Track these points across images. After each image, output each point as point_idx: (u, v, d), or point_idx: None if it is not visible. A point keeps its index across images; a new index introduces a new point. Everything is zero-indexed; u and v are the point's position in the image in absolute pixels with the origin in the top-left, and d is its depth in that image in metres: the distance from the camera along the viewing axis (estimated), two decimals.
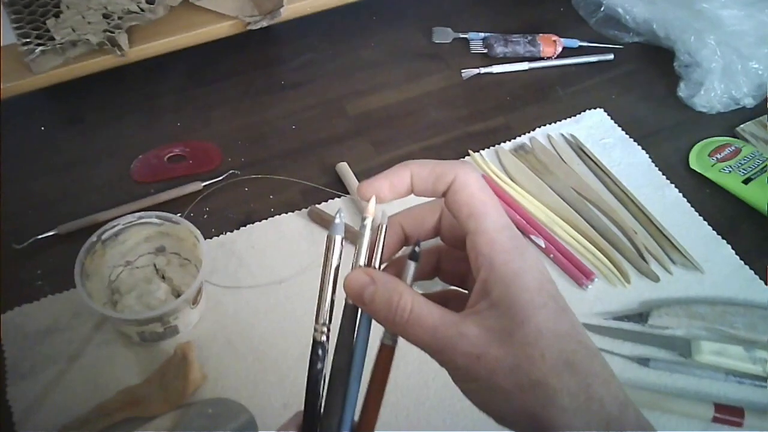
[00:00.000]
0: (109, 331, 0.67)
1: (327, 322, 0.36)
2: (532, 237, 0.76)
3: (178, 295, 0.63)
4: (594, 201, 0.81)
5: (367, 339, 0.36)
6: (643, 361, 0.68)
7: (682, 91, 0.95)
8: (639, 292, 0.74)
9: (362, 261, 0.35)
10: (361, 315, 0.36)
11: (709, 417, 0.63)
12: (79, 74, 0.84)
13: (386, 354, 0.36)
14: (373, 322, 0.36)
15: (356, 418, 0.37)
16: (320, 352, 0.36)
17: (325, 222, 0.77)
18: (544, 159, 0.85)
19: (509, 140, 0.88)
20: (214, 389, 0.64)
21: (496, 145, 0.87)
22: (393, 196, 0.35)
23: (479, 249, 0.33)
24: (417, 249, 0.35)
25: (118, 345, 0.67)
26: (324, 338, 0.36)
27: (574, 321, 0.33)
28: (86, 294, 0.61)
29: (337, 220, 0.35)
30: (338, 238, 0.35)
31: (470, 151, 0.86)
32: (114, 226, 0.66)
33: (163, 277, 0.70)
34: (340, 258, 0.35)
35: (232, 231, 0.77)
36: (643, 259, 0.76)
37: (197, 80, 0.95)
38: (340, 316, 0.36)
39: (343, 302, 0.36)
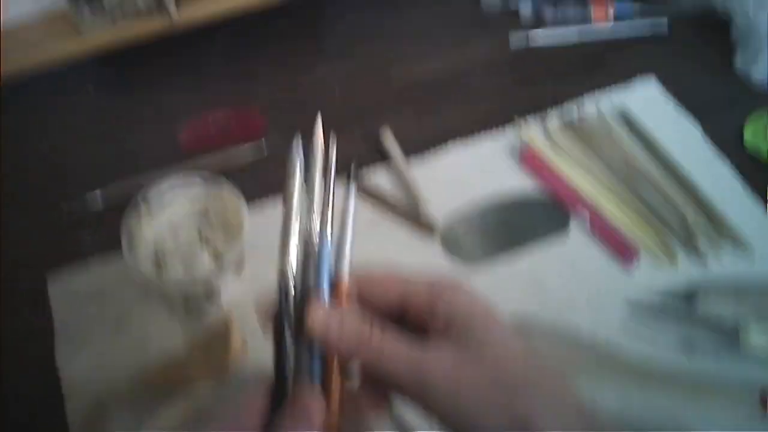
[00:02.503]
0: (154, 295, 0.69)
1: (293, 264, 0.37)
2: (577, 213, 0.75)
3: (222, 263, 0.63)
4: (642, 173, 0.79)
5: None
6: (688, 344, 0.66)
7: (739, 61, 0.91)
8: (686, 271, 0.72)
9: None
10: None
11: (754, 403, 0.62)
12: (127, 37, 0.85)
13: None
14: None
15: None
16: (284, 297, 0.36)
17: (366, 189, 0.76)
18: (591, 129, 0.83)
19: (556, 109, 0.86)
20: (255, 360, 0.64)
21: (543, 114, 0.85)
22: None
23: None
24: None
25: (163, 310, 0.68)
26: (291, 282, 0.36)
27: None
28: (132, 258, 0.62)
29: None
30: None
31: (515, 119, 0.84)
32: (159, 189, 0.67)
33: (207, 241, 0.71)
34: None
35: (276, 197, 0.77)
36: (692, 237, 0.74)
37: (243, 46, 0.95)
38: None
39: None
